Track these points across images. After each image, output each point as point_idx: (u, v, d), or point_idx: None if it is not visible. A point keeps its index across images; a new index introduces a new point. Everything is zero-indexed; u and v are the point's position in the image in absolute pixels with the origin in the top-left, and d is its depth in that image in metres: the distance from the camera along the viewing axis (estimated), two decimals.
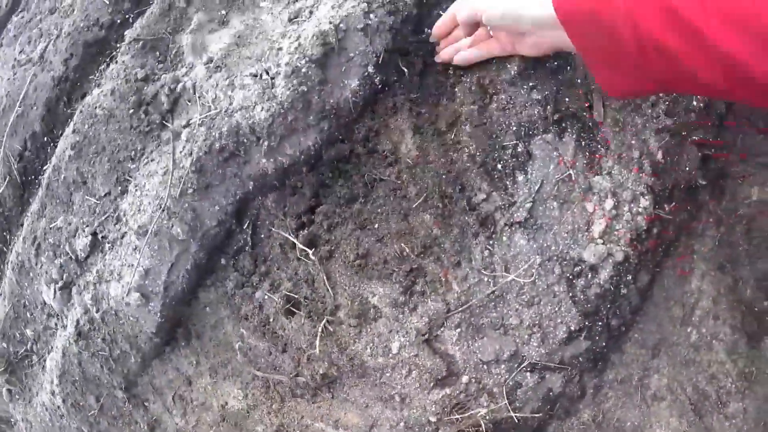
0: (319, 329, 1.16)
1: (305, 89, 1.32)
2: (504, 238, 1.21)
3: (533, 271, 1.19)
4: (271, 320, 1.29)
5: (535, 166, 1.24)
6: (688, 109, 1.48)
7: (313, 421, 1.23)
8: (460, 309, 1.17)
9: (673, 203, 1.35)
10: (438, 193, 1.22)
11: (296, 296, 1.23)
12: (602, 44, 0.82)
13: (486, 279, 1.20)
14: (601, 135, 1.34)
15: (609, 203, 1.29)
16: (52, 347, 1.61)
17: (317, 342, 1.16)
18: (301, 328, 1.21)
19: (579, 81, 1.32)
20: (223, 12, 1.60)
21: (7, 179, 1.83)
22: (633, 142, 1.36)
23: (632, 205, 1.29)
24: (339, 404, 1.21)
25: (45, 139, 1.80)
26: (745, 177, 1.62)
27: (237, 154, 1.36)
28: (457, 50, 1.20)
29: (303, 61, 1.32)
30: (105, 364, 1.47)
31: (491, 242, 1.20)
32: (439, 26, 1.21)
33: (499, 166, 1.23)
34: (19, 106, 1.85)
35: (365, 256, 1.20)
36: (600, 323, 1.28)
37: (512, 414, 1.17)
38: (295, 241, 1.26)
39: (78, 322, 1.48)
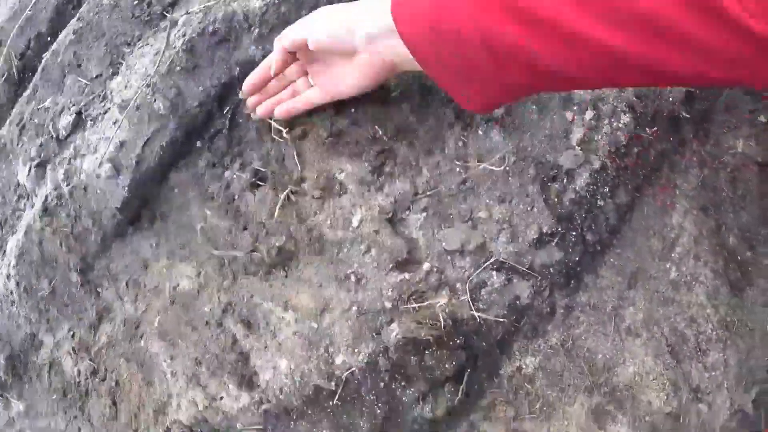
0: (282, 197, 1.13)
1: None
2: (480, 132, 1.20)
3: (508, 168, 1.17)
4: (236, 197, 1.26)
5: None
6: None
7: (262, 301, 1.17)
8: (428, 193, 1.13)
9: (655, 128, 1.33)
10: (417, 86, 1.22)
11: (264, 170, 1.21)
12: (452, 56, 0.73)
13: (458, 169, 1.17)
14: None
15: (589, 114, 1.28)
16: (17, 230, 1.57)
17: (277, 209, 1.12)
18: (264, 198, 1.18)
19: None
20: None
21: (5, 75, 1.88)
22: None
23: (612, 120, 1.28)
24: (292, 283, 1.15)
25: (48, 39, 1.85)
26: (729, 128, 1.61)
27: (228, 39, 1.38)
28: (279, 102, 1.12)
29: None
30: (65, 242, 1.43)
31: (466, 134, 1.19)
32: (254, 76, 1.13)
33: None
34: (30, 10, 1.93)
35: (338, 135, 1.19)
36: (574, 233, 1.23)
37: (474, 312, 1.11)
38: (271, 121, 1.26)
39: (47, 197, 1.45)
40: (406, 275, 1.12)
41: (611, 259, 1.29)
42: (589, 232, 1.24)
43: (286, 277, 1.18)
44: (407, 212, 1.15)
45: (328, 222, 1.13)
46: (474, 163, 1.16)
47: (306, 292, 1.16)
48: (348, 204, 1.15)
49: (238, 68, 1.39)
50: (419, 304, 1.10)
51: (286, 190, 1.14)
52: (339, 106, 1.25)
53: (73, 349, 1.50)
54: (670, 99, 1.36)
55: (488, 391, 1.23)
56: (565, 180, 1.19)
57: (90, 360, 1.46)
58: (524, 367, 1.25)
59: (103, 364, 1.45)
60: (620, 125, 1.26)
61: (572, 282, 1.25)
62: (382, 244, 1.12)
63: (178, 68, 1.37)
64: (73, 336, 1.50)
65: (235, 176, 1.30)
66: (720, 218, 1.44)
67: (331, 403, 1.20)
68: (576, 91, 1.27)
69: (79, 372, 1.50)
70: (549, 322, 1.25)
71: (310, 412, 1.23)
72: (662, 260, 1.36)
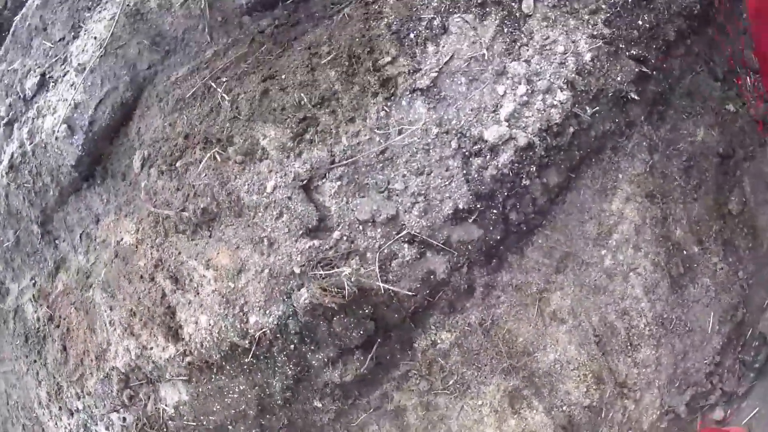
0: (207, 157, 1.16)
1: None
2: (403, 103, 1.18)
3: (429, 140, 1.15)
4: (179, 161, 1.30)
5: (449, 41, 1.21)
6: (632, 26, 1.40)
7: (188, 258, 1.22)
8: (344, 162, 1.14)
9: (597, 107, 1.27)
10: (347, 53, 1.22)
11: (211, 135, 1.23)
12: None
13: (378, 139, 1.16)
14: (526, 26, 1.29)
15: (522, 89, 1.22)
16: None
17: (201, 168, 1.16)
18: (196, 162, 1.21)
19: None
20: None
21: None
22: (560, 38, 1.30)
23: (547, 96, 1.22)
24: (214, 243, 1.19)
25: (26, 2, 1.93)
26: (690, 114, 1.50)
27: None
28: None
29: None
30: (27, 197, 1.53)
31: (389, 104, 1.17)
32: None
33: (412, 36, 1.21)
34: None
35: (265, 98, 1.21)
36: (495, 211, 1.19)
37: (380, 283, 1.12)
38: (213, 84, 1.29)
39: (12, 155, 1.55)
40: (316, 242, 1.13)
41: (539, 241, 1.25)
42: (513, 212, 1.20)
43: (210, 236, 1.22)
44: (323, 180, 1.16)
45: (246, 187, 1.16)
46: (395, 133, 1.15)
47: (225, 253, 1.20)
48: (265, 170, 1.17)
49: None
50: (326, 272, 1.12)
51: (213, 150, 1.17)
52: (270, 74, 1.27)
53: (34, 296, 1.61)
54: (618, 78, 1.28)
55: (401, 362, 1.24)
56: (488, 156, 1.16)
57: (48, 307, 1.57)
58: (440, 342, 1.25)
59: (58, 311, 1.55)
60: (555, 102, 1.21)
61: (494, 261, 1.23)
62: (293, 211, 1.14)
63: (128, 33, 1.42)
64: (34, 284, 1.62)
65: (179, 140, 1.34)
66: (668, 208, 1.35)
67: (246, 360, 1.24)
68: (511, 63, 1.22)
69: (38, 318, 1.61)
70: (467, 299, 1.23)
71: (228, 367, 1.28)
72: (597, 246, 1.30)
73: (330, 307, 1.15)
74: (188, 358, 1.30)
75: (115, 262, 1.39)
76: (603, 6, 1.32)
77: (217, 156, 1.18)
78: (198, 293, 1.26)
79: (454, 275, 1.21)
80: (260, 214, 1.18)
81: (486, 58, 1.20)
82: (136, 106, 1.41)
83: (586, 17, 1.31)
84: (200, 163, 1.20)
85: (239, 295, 1.22)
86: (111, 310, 1.37)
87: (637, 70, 1.31)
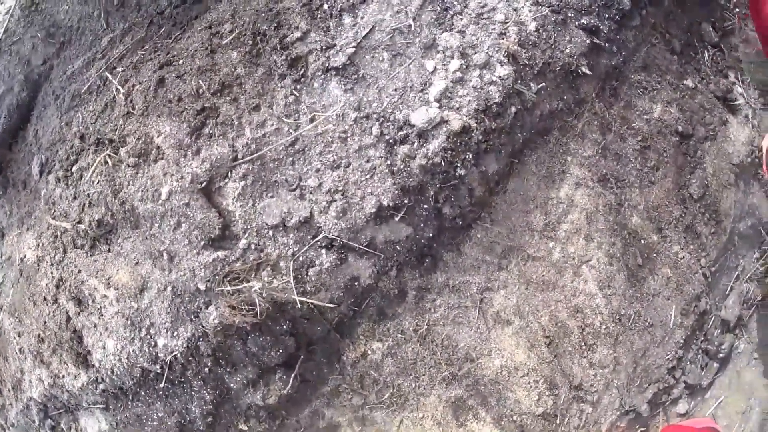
0: (96, 163, 0.87)
1: None
2: (315, 85, 0.88)
3: (347, 127, 0.86)
4: (74, 165, 1.01)
5: (369, 10, 0.91)
6: None
7: (88, 277, 0.94)
8: (249, 158, 0.85)
9: (542, 84, 0.98)
10: (251, 31, 0.92)
11: (105, 137, 0.94)
12: None
13: (286, 128, 0.87)
14: None
15: (455, 64, 0.93)
16: None
17: (89, 174, 0.87)
18: (89, 167, 0.92)
19: None
20: None
21: None
22: (500, 5, 1.01)
23: (485, 72, 0.93)
24: (113, 259, 0.91)
25: None
26: (647, 89, 1.21)
27: None
28: None
29: None
30: None
31: (299, 87, 0.88)
32: None
33: (326, 6, 0.91)
34: None
35: (161, 88, 0.91)
36: (425, 206, 0.92)
37: (296, 296, 0.84)
38: (108, 75, 0.99)
39: None
40: (220, 253, 0.85)
41: (478, 235, 0.97)
42: (446, 205, 0.92)
43: (109, 251, 0.93)
44: (225, 180, 0.87)
45: (140, 194, 0.87)
46: (306, 121, 0.86)
47: (124, 270, 0.91)
48: (160, 173, 0.88)
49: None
50: (234, 287, 0.84)
51: (103, 154, 0.88)
52: (168, 60, 0.96)
53: None
54: (567, 51, 0.99)
55: (330, 377, 0.96)
56: (416, 143, 0.88)
57: None
58: (370, 352, 0.97)
59: None
60: (494, 78, 0.92)
61: (427, 261, 0.95)
62: (192, 219, 0.85)
63: (22, 26, 1.11)
64: None
65: (75, 141, 1.04)
66: (622, 193, 1.07)
67: (160, 385, 0.97)
68: (442, 35, 0.93)
69: None
70: (399, 304, 0.95)
71: (143, 393, 1.00)
72: (544, 238, 1.02)
73: (241, 328, 0.88)
74: (101, 386, 1.03)
75: (20, 281, 1.11)
76: None
77: (108, 159, 0.89)
78: (102, 315, 0.97)
79: (382, 279, 0.93)
80: (157, 225, 0.89)
81: (413, 29, 0.90)
82: (33, 105, 1.11)
83: None
84: (91, 168, 0.92)
85: (144, 316, 0.94)
86: (19, 336, 1.09)
87: (588, 41, 1.02)
